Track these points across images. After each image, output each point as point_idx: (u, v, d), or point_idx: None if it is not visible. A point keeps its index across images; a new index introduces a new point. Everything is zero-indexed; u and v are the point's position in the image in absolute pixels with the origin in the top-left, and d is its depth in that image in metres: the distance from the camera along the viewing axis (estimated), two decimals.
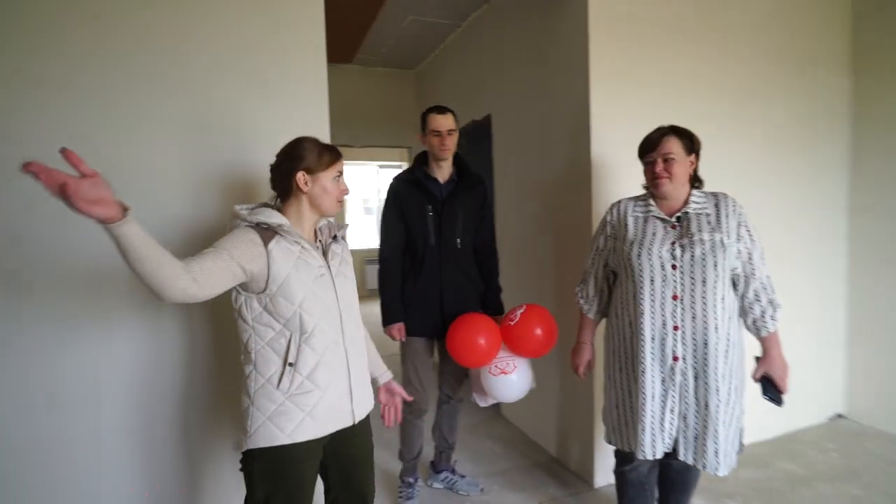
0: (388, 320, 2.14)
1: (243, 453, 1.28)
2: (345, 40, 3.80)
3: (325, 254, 1.37)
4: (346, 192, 1.37)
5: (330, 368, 1.30)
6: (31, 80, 1.55)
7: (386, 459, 2.60)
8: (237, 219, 1.28)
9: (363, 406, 1.41)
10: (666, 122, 1.66)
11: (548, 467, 2.63)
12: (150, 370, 1.73)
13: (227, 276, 1.15)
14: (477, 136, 3.71)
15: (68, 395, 1.63)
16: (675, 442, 1.61)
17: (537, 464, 2.68)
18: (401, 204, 2.14)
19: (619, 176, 2.25)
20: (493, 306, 2.23)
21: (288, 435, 1.24)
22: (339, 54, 4.15)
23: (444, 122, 2.11)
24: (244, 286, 1.25)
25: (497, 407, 3.33)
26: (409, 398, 1.66)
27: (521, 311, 2.03)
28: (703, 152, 1.66)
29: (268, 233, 1.24)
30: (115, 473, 1.70)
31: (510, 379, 2.00)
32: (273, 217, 1.26)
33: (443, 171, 2.18)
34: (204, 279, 1.09)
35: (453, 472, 2.43)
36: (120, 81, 1.65)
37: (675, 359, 1.56)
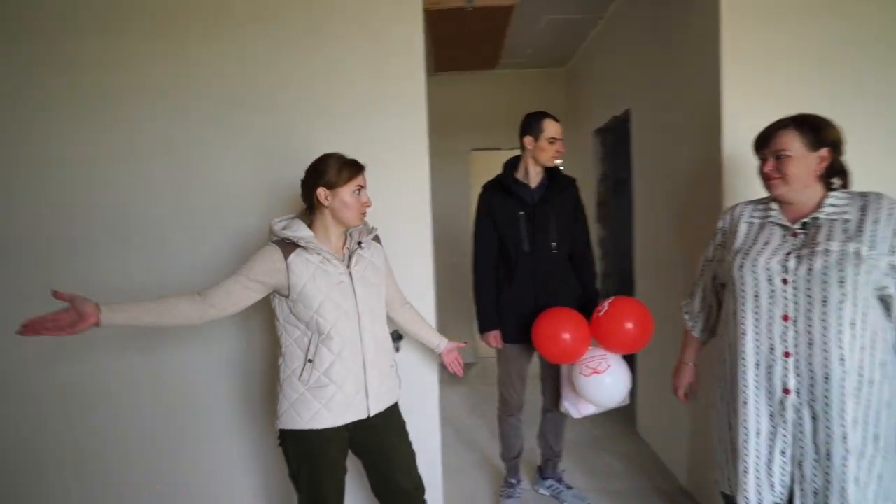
0: (483, 328, 2.18)
1: (279, 431, 1.48)
2: (484, 49, 3.91)
3: (351, 259, 1.48)
4: (367, 204, 1.47)
5: (346, 366, 1.43)
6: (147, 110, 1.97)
7: (495, 456, 2.65)
8: (271, 233, 1.46)
9: (381, 401, 1.51)
10: (817, 110, 1.39)
11: (672, 497, 2.39)
12: (242, 364, 2.05)
13: (248, 293, 1.39)
14: (619, 134, 3.50)
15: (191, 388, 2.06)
16: (791, 493, 1.35)
17: (660, 490, 2.45)
18: (492, 212, 2.15)
19: (755, 177, 1.93)
20: (591, 311, 2.13)
21: (307, 421, 1.42)
22: (481, 62, 4.29)
23: (560, 129, 2.11)
24: (278, 291, 1.43)
25: (631, 420, 3.11)
26: (462, 345, 1.85)
27: (610, 301, 1.94)
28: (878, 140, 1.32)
29: (290, 246, 1.40)
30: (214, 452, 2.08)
31: (603, 380, 1.89)
32: (298, 231, 1.41)
33: (534, 176, 2.14)
34: (222, 303, 1.36)
35: (560, 481, 2.37)
36: (221, 106, 2.00)
37: (786, 391, 1.31)
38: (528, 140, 2.12)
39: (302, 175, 1.46)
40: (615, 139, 3.71)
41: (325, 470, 1.46)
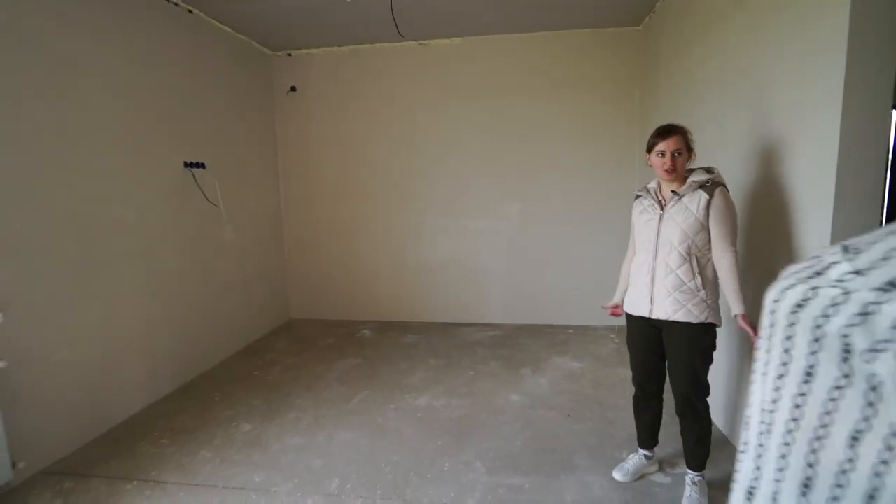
0: None
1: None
2: None
3: (668, 203, 1.98)
4: (661, 164, 1.95)
5: (641, 277, 2.07)
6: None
7: None
8: None
9: (664, 311, 1.98)
10: None
11: None
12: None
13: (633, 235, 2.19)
14: None
15: None
16: None
17: None
18: None
19: None
20: None
21: (626, 306, 2.19)
22: None
23: None
24: None
25: None
26: (753, 336, 1.85)
27: None
28: None
29: (639, 195, 2.13)
30: None
31: None
32: (648, 184, 2.10)
33: None
34: (631, 251, 2.24)
35: None
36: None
37: None
38: None
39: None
40: None
41: (631, 342, 2.19)
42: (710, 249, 1.95)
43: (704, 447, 2.06)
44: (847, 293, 0.57)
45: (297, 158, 4.90)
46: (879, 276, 0.56)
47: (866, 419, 0.57)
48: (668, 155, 1.94)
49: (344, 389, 3.32)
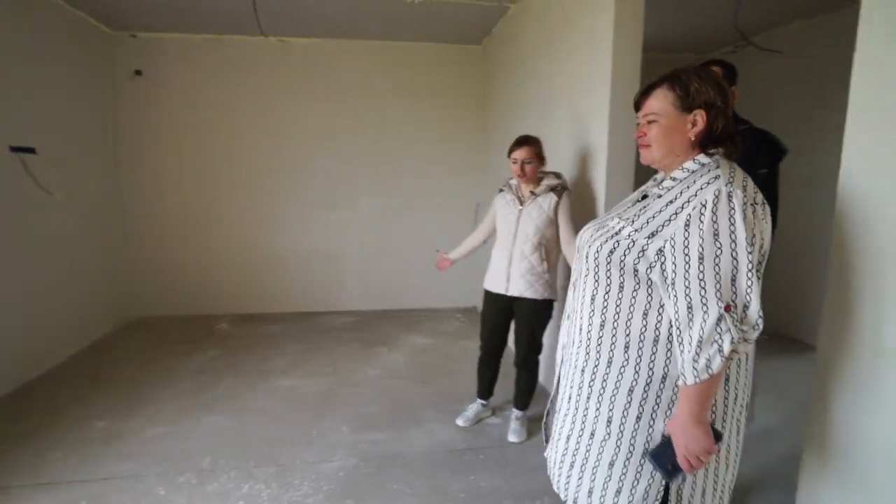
0: None
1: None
2: None
3: (527, 201, 2.45)
4: (515, 170, 2.44)
5: (500, 258, 2.53)
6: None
7: None
8: None
9: (516, 289, 2.47)
10: None
11: None
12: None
13: (490, 220, 2.68)
14: None
15: None
16: None
17: None
18: None
19: None
20: None
21: (485, 283, 2.63)
22: None
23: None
24: None
25: None
26: None
27: None
28: None
29: (503, 189, 2.59)
30: None
31: None
32: (509, 181, 2.57)
33: None
34: (486, 228, 2.71)
35: None
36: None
37: None
38: None
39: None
40: None
41: (486, 314, 2.67)
42: (557, 241, 2.47)
43: (530, 392, 2.68)
44: (634, 242, 1.11)
45: (145, 146, 4.64)
46: (646, 231, 1.12)
47: (649, 301, 1.13)
48: (519, 162, 2.45)
49: (206, 379, 3.39)
